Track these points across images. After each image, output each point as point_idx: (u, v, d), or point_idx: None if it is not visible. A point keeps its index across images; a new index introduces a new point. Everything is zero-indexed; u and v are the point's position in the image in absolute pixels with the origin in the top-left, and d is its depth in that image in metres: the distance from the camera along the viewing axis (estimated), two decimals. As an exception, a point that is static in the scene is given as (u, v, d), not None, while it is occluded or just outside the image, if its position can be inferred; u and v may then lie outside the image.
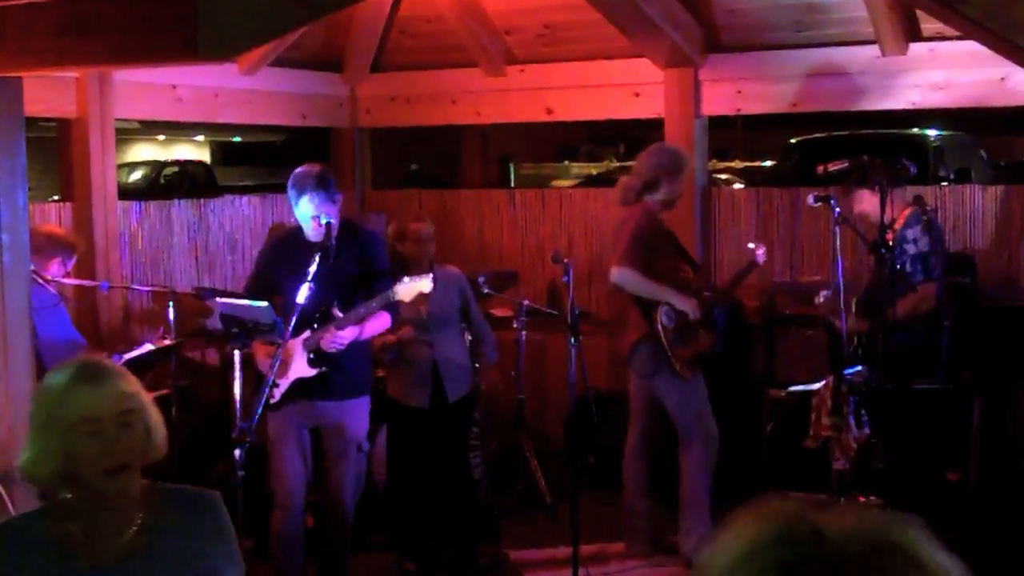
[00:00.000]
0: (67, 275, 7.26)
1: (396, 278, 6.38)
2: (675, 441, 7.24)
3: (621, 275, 6.99)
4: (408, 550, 7.34)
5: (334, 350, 6.32)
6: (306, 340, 6.33)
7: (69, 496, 3.08)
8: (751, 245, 7.53)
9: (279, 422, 6.44)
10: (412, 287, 6.43)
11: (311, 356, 6.34)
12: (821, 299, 7.35)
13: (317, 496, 6.83)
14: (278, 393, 6.34)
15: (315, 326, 6.31)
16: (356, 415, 6.60)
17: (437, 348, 7.25)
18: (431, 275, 6.49)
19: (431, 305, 7.15)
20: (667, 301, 7.01)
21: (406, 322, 7.17)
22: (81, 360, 3.18)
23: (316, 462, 6.62)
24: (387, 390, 7.43)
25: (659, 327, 6.97)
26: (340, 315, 6.38)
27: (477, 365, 7.61)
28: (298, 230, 6.54)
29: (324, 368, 6.37)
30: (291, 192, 6.37)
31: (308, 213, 6.32)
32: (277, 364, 5.83)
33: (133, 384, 3.13)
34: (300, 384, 6.38)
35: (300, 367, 6.37)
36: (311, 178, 6.33)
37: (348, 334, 6.32)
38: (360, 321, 6.40)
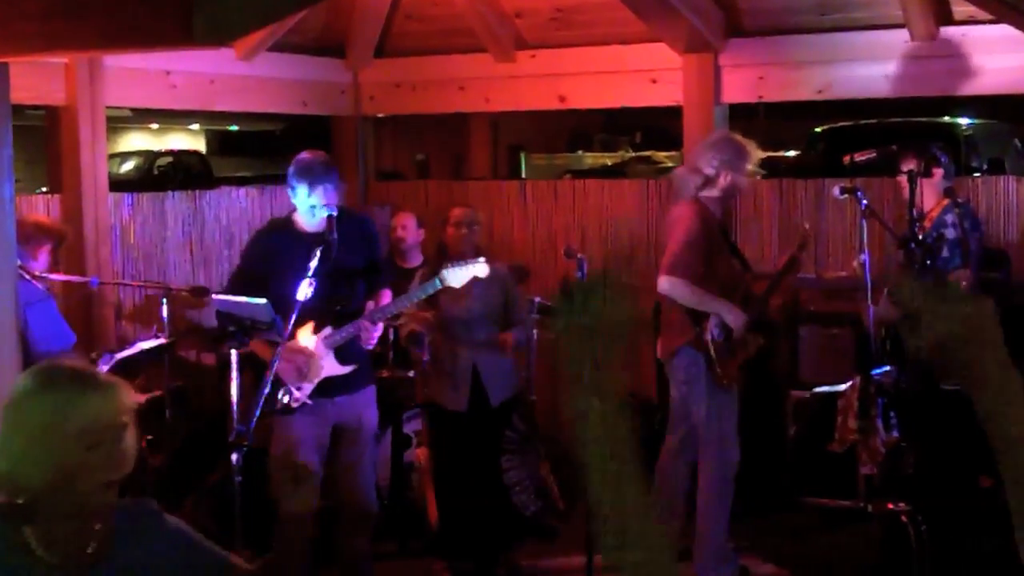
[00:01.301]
0: (56, 269, 7.26)
1: (423, 271, 6.42)
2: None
3: (671, 286, 6.79)
4: (454, 556, 7.33)
5: (371, 345, 6.40)
6: (328, 338, 6.32)
7: (25, 500, 2.96)
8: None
9: (300, 426, 6.38)
10: (463, 272, 6.42)
11: (337, 352, 6.35)
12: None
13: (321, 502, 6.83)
14: (303, 395, 6.33)
15: (331, 321, 6.31)
16: (371, 405, 6.66)
17: (478, 350, 7.19)
18: (484, 259, 6.49)
19: (474, 303, 7.10)
20: (716, 312, 6.86)
21: (444, 317, 7.16)
22: (75, 368, 3.10)
23: (328, 464, 6.61)
24: (427, 391, 7.43)
25: (708, 337, 6.82)
26: (372, 308, 6.39)
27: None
28: (289, 222, 6.52)
29: (355, 365, 6.40)
30: (298, 181, 6.28)
31: (318, 203, 6.27)
32: (276, 365, 5.82)
33: (130, 395, 3.10)
34: (320, 383, 6.39)
35: (330, 365, 6.37)
36: (321, 166, 6.30)
37: (380, 327, 6.40)
38: (394, 313, 6.45)
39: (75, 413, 2.95)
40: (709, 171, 6.92)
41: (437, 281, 6.42)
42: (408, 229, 8.73)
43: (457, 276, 6.43)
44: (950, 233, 6.96)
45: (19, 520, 3.00)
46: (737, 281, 7.06)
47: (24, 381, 3.03)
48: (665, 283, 6.79)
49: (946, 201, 7.11)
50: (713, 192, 6.95)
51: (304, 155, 6.40)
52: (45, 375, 3.04)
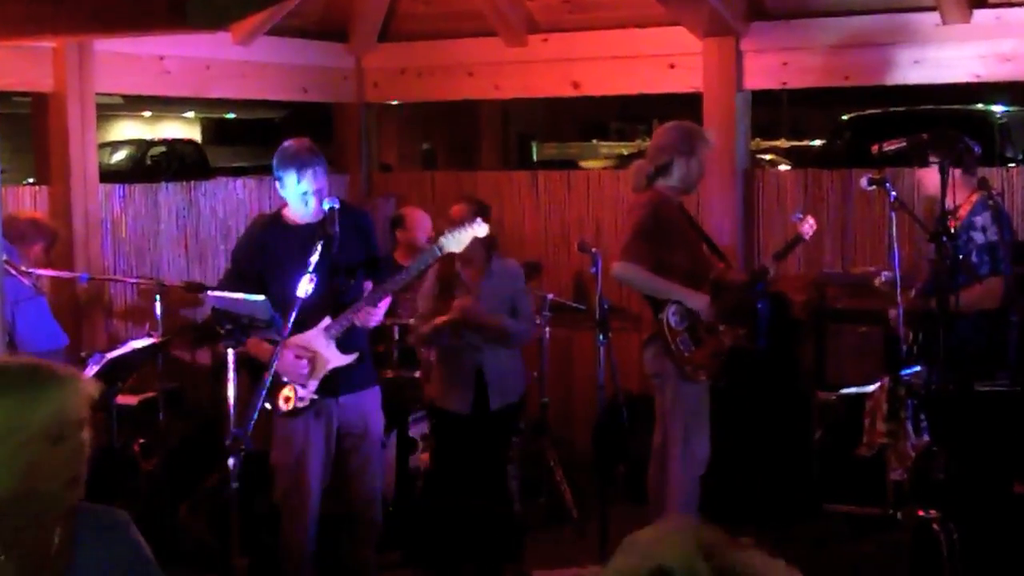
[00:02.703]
0: (46, 265, 7.27)
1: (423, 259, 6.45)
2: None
3: (623, 271, 7.02)
4: (428, 566, 7.34)
5: (373, 325, 6.41)
6: (328, 328, 6.33)
7: None
8: (797, 216, 7.45)
9: (304, 430, 6.41)
10: (462, 235, 6.39)
11: (338, 342, 6.35)
12: (883, 278, 7.30)
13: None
14: (307, 395, 6.34)
15: (331, 313, 6.32)
16: (376, 408, 6.68)
17: (485, 350, 7.26)
18: (480, 220, 6.49)
19: (482, 302, 7.13)
20: (676, 299, 6.98)
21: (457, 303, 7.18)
22: (31, 363, 3.12)
23: (333, 471, 6.61)
24: (426, 391, 7.45)
25: (665, 329, 6.95)
26: (371, 288, 6.40)
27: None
28: (279, 217, 6.53)
29: (358, 353, 6.42)
30: (285, 170, 6.30)
31: (310, 189, 6.29)
32: (275, 364, 5.82)
33: (89, 386, 3.11)
34: (324, 381, 6.40)
35: (334, 356, 6.38)
36: (307, 151, 6.32)
37: (384, 307, 6.41)
38: (396, 289, 6.45)
39: (39, 409, 2.97)
40: (660, 160, 7.12)
41: (436, 249, 6.40)
42: (424, 229, 8.67)
43: (456, 240, 6.40)
44: (979, 238, 6.95)
45: None
46: (705, 270, 7.13)
47: None
48: (617, 268, 7.01)
49: (975, 196, 7.09)
50: (670, 182, 7.13)
51: (287, 143, 6.44)
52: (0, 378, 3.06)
